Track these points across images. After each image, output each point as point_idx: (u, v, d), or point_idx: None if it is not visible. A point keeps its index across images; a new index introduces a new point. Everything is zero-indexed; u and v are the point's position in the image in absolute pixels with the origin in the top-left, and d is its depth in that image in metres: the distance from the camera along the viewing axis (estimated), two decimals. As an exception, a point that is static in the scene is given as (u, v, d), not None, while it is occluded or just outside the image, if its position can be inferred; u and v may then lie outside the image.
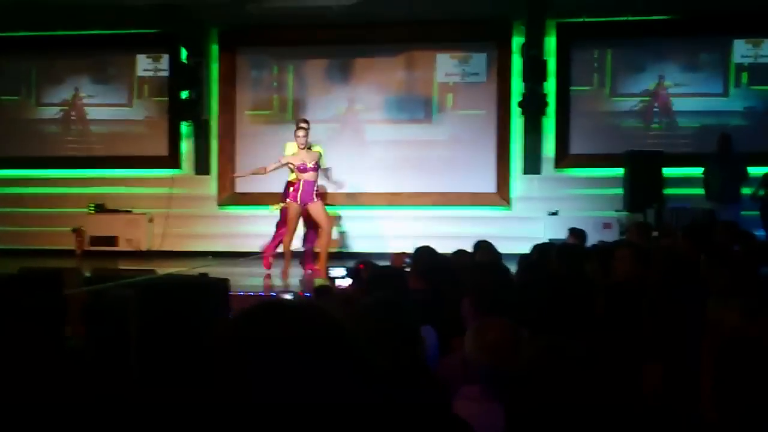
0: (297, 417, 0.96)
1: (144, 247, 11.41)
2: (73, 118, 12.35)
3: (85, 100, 12.31)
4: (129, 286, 3.04)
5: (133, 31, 11.76)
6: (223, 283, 3.28)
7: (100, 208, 11.69)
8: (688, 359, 2.85)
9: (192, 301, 2.80)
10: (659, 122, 11.33)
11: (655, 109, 11.31)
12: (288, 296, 7.46)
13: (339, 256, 9.94)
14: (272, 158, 11.66)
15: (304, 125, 8.67)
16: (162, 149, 11.95)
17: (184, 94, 11.51)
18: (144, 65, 12.16)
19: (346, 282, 6.19)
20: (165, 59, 12.01)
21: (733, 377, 1.87)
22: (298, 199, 8.61)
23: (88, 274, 6.19)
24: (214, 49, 11.84)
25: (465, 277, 3.71)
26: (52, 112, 12.41)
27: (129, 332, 2.65)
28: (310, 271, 9.07)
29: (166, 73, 12.00)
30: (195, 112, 11.53)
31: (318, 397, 0.97)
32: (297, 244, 9.30)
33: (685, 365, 2.83)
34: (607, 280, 4.36)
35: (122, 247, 11.36)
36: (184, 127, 11.84)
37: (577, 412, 2.00)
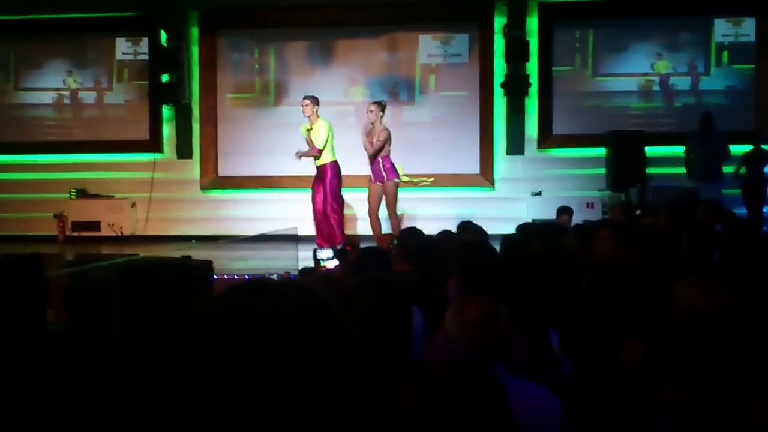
0: (276, 398, 0.95)
1: (127, 232, 11.36)
2: (61, 102, 12.21)
3: (73, 86, 12.18)
4: (110, 269, 3.02)
5: (111, 14, 11.63)
6: (206, 265, 3.26)
7: (82, 193, 11.60)
8: (666, 337, 2.88)
9: (175, 283, 2.79)
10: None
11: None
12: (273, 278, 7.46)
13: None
14: (255, 141, 11.61)
15: (371, 106, 9.00)
16: (143, 133, 11.85)
17: (165, 78, 11.41)
18: (123, 49, 12.03)
19: (332, 263, 6.16)
20: (144, 42, 11.90)
21: (693, 354, 1.90)
22: (372, 178, 8.87)
23: (70, 259, 6.15)
24: (194, 31, 11.73)
25: (451, 257, 3.71)
26: (32, 97, 12.27)
27: (111, 315, 2.63)
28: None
29: (145, 57, 11.89)
30: (176, 95, 11.44)
31: (298, 377, 0.96)
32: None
33: (664, 343, 2.86)
34: (588, 258, 4.38)
35: (105, 232, 11.29)
36: (166, 111, 11.75)
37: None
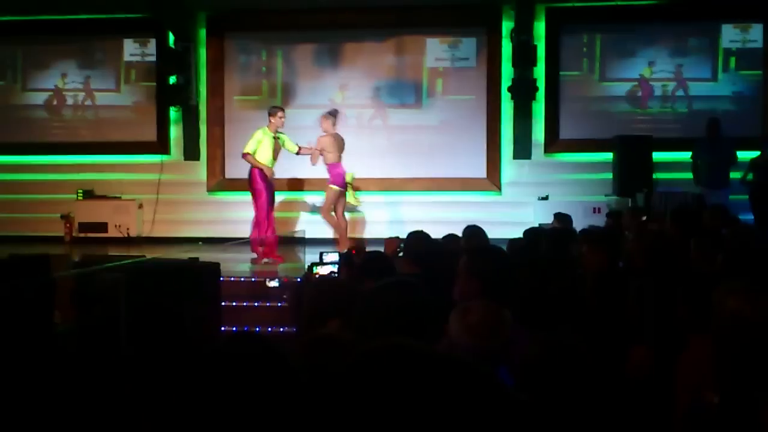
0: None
1: (134, 234, 11.38)
2: (68, 104, 12.25)
3: (72, 86, 12.22)
4: (118, 270, 3.02)
5: (119, 15, 11.66)
6: (213, 267, 3.27)
7: (89, 195, 11.63)
8: (674, 343, 2.87)
9: (182, 285, 2.79)
10: (671, 107, 11.31)
11: (656, 94, 11.31)
12: (273, 283, 7.43)
13: (331, 242, 9.92)
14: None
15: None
16: (151, 135, 11.88)
17: (172, 79, 11.44)
18: (131, 50, 12.06)
19: (325, 270, 6.01)
20: (152, 44, 11.93)
21: (734, 360, 1.89)
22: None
23: (77, 260, 6.16)
24: (202, 33, 11.75)
25: (474, 262, 3.64)
26: (39, 98, 12.31)
27: (118, 316, 2.64)
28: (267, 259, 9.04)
29: (153, 58, 11.92)
30: (183, 97, 11.46)
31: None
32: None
33: (671, 348, 2.85)
34: (594, 264, 4.37)
35: (112, 233, 11.32)
36: (173, 113, 11.78)
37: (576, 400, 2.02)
